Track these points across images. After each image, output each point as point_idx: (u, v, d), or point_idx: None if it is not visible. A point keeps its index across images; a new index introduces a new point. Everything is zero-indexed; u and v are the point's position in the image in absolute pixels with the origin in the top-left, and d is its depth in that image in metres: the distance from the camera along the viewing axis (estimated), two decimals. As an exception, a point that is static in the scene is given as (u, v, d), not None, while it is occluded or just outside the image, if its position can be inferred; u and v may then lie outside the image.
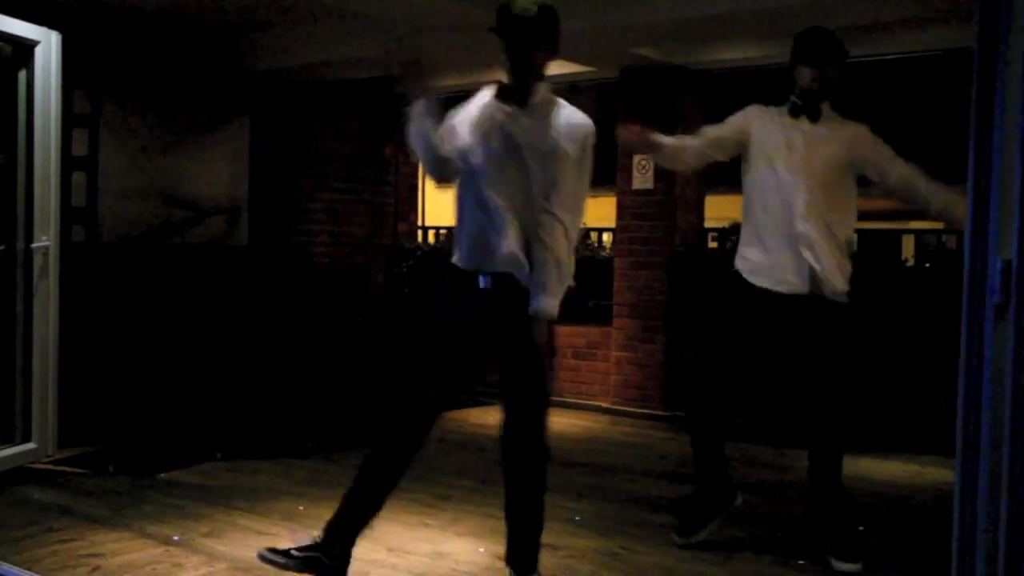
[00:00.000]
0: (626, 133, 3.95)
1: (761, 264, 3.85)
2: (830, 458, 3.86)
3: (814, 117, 3.86)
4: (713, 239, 7.44)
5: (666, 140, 4.03)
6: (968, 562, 2.06)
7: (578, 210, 3.18)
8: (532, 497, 3.28)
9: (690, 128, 7.31)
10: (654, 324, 7.14)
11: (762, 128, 3.91)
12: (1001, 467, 2.00)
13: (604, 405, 7.27)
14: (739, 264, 3.94)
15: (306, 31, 6.98)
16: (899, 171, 3.79)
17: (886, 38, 6.11)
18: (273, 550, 3.34)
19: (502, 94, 3.25)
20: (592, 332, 7.39)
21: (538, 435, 3.24)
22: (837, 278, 3.79)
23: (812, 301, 3.78)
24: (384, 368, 7.43)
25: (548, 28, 3.19)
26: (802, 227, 3.74)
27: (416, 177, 9.07)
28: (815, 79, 3.81)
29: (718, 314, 4.07)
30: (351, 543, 3.34)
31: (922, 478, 5.34)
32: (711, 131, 4.06)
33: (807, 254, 3.73)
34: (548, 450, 3.27)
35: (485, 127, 3.19)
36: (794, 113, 3.89)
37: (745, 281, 3.88)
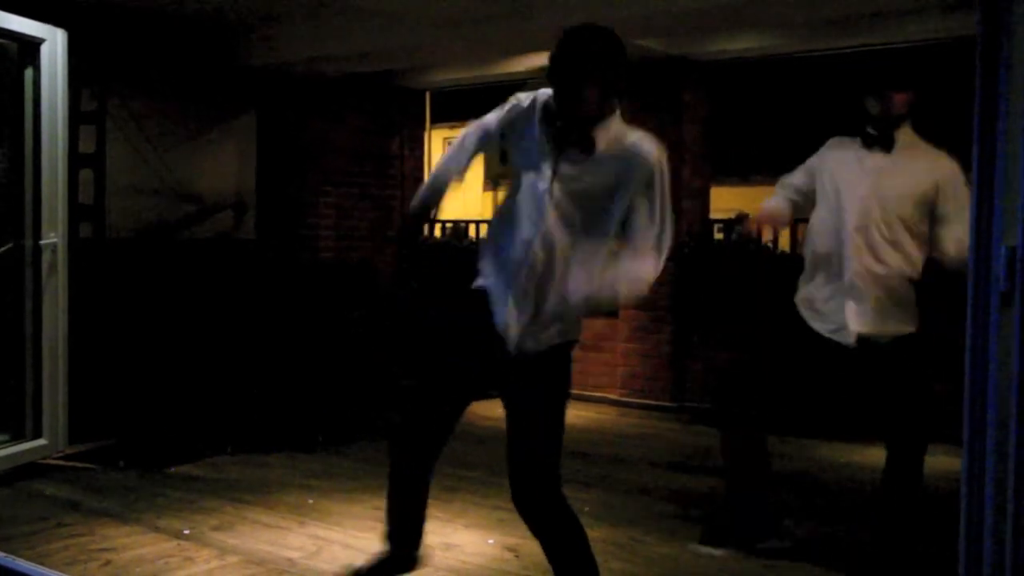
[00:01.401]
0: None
1: (815, 308, 3.64)
2: (908, 464, 3.66)
3: (888, 146, 3.56)
4: (719, 230, 7.44)
5: (786, 210, 3.85)
6: (976, 546, 2.06)
7: None
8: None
9: (692, 119, 7.30)
10: (661, 315, 7.14)
11: (833, 162, 3.68)
12: (1008, 453, 2.00)
13: (612, 396, 7.27)
14: (797, 301, 3.72)
15: (311, 25, 6.98)
16: (957, 234, 3.41)
17: (887, 27, 6.10)
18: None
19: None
20: (599, 324, 7.40)
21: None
22: (890, 324, 3.56)
23: (868, 347, 3.56)
24: (389, 362, 7.44)
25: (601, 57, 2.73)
26: (849, 276, 3.52)
27: (421, 171, 9.07)
28: (881, 109, 3.53)
29: (777, 332, 3.82)
30: (413, 542, 3.19)
31: (930, 465, 5.33)
32: (788, 180, 3.87)
33: (851, 306, 3.52)
34: None
35: None
36: (867, 144, 3.60)
37: (804, 321, 3.67)
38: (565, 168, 2.76)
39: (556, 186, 2.75)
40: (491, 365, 2.86)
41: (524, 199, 2.81)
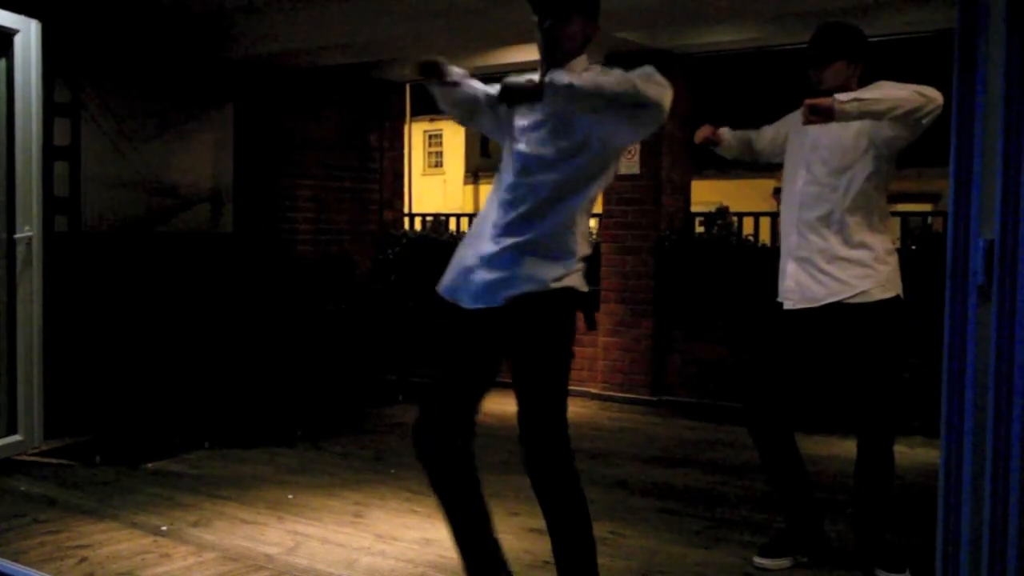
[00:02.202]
0: (701, 133, 3.86)
1: (780, 280, 3.62)
2: (878, 452, 3.55)
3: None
4: (700, 223, 7.45)
5: (730, 136, 3.91)
6: (953, 540, 2.07)
7: None
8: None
9: (674, 111, 7.31)
10: (641, 309, 7.15)
11: (790, 133, 3.70)
12: (985, 447, 2.01)
13: (592, 391, 7.28)
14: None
15: (288, 17, 6.93)
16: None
17: (870, 19, 6.11)
18: None
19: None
20: (579, 317, 7.39)
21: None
22: (849, 285, 3.47)
23: (831, 311, 3.49)
24: (366, 355, 7.42)
25: None
26: (796, 237, 3.52)
27: (401, 164, 9.04)
28: (812, 82, 3.54)
29: (764, 323, 3.87)
30: (491, 558, 2.99)
31: (908, 458, 5.37)
32: (768, 130, 3.89)
33: (801, 267, 3.50)
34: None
35: None
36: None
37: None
38: (540, 113, 2.82)
39: (531, 118, 2.84)
40: (481, 343, 2.87)
41: (505, 159, 2.89)
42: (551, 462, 2.86)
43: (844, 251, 3.49)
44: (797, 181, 3.59)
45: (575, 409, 6.73)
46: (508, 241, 2.79)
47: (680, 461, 5.37)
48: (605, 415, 6.74)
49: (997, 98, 1.93)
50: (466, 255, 2.93)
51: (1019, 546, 1.96)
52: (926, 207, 15.72)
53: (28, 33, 5.00)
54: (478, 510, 2.96)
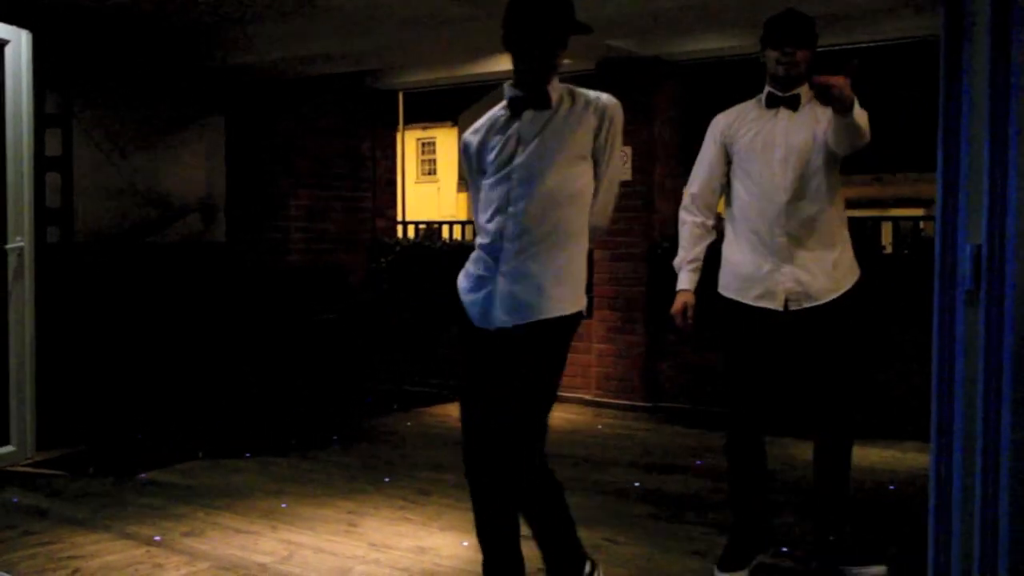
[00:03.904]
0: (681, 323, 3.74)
1: (744, 280, 3.58)
2: (838, 450, 3.56)
3: (794, 105, 3.52)
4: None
5: (694, 267, 3.75)
6: (944, 543, 2.07)
7: None
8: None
9: (665, 119, 7.31)
10: (635, 315, 7.15)
11: (735, 132, 3.60)
12: (975, 450, 2.01)
13: (586, 397, 7.28)
14: (723, 281, 3.67)
15: (279, 27, 6.93)
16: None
17: (861, 26, 6.14)
18: None
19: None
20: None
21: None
22: (825, 285, 3.47)
23: (803, 312, 3.49)
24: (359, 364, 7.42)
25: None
26: (780, 238, 3.48)
27: (394, 172, 9.04)
28: (779, 62, 3.48)
29: (726, 336, 3.70)
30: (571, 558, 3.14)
31: (901, 463, 5.38)
32: (694, 185, 3.73)
33: (785, 269, 3.47)
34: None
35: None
36: (771, 104, 3.56)
37: (731, 300, 3.63)
38: (525, 131, 2.91)
39: (520, 149, 2.90)
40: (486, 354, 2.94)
41: (495, 182, 2.94)
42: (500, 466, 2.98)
43: (826, 251, 3.49)
44: (769, 182, 3.51)
45: (569, 416, 6.78)
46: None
47: (674, 467, 5.37)
48: (599, 422, 6.74)
49: (983, 106, 1.94)
50: None
51: (1010, 550, 1.97)
52: (917, 212, 15.80)
53: (19, 44, 5.01)
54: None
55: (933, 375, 2.08)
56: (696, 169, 3.73)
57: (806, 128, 3.50)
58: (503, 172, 2.92)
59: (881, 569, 3.53)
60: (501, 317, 2.89)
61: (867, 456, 5.54)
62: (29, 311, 5.10)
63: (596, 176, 2.97)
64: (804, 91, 3.53)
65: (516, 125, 2.93)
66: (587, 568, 3.17)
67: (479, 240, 2.98)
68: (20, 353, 5.05)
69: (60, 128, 6.45)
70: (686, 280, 3.74)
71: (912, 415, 5.69)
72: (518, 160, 2.89)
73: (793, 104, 3.53)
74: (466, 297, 2.98)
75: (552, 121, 2.91)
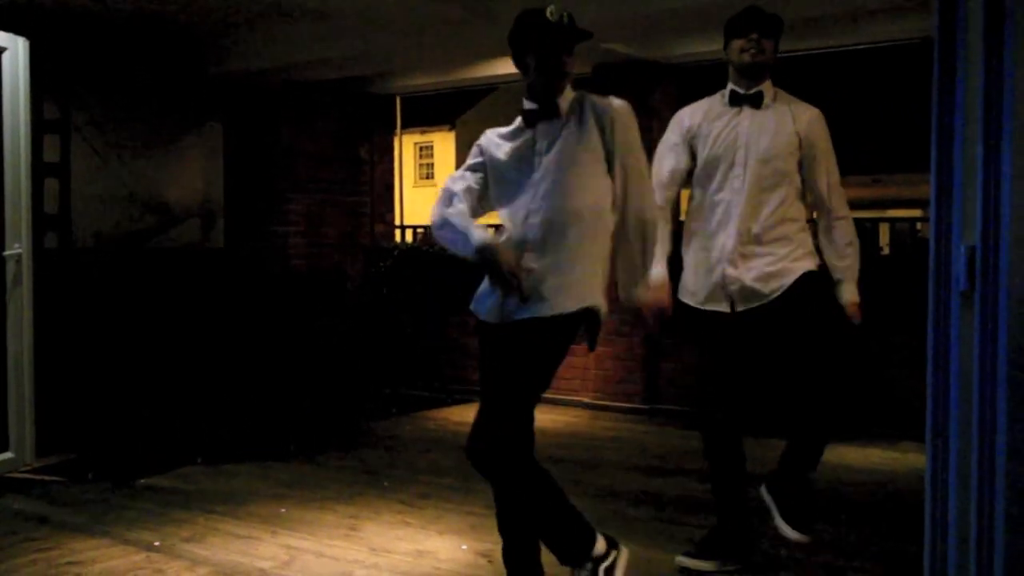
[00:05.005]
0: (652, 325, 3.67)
1: (694, 283, 3.60)
2: (812, 448, 3.52)
3: (756, 103, 3.48)
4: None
5: (663, 260, 3.72)
6: (940, 545, 2.08)
7: None
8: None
9: (664, 121, 7.31)
10: (633, 318, 7.15)
11: (698, 131, 3.58)
12: (971, 451, 2.02)
13: (585, 400, 7.28)
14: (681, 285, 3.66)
15: (277, 32, 6.94)
16: (827, 182, 3.51)
17: (859, 27, 6.15)
18: None
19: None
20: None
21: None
22: (772, 284, 3.44)
23: (752, 312, 3.48)
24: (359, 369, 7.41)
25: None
26: (731, 239, 3.47)
27: (392, 176, 9.05)
28: (744, 50, 3.43)
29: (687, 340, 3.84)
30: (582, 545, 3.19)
31: (900, 464, 5.39)
32: (661, 177, 3.70)
33: (731, 271, 3.47)
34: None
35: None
36: (734, 102, 3.52)
37: (685, 304, 3.62)
38: (541, 142, 3.01)
39: (537, 161, 3.00)
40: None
41: (513, 185, 3.03)
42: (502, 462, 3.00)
43: (781, 249, 3.49)
44: (728, 183, 3.51)
45: (568, 419, 6.79)
46: None
47: (674, 470, 5.37)
48: (598, 424, 6.74)
49: (976, 107, 1.95)
50: None
51: (1005, 552, 1.97)
52: (915, 212, 15.78)
53: (16, 50, 5.02)
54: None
55: (928, 376, 2.08)
56: (659, 163, 3.71)
57: (768, 128, 3.47)
58: (523, 181, 3.00)
59: (801, 536, 3.44)
60: (512, 311, 2.96)
61: (867, 456, 5.55)
62: (27, 317, 5.10)
63: (614, 175, 3.03)
64: (767, 88, 3.51)
65: (532, 135, 3.03)
66: (600, 547, 3.16)
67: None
68: (19, 359, 5.05)
69: (58, 134, 6.46)
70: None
71: (912, 416, 5.69)
72: (536, 174, 2.99)
73: (756, 102, 3.49)
74: (482, 292, 3.06)
75: (564, 130, 3.00)
